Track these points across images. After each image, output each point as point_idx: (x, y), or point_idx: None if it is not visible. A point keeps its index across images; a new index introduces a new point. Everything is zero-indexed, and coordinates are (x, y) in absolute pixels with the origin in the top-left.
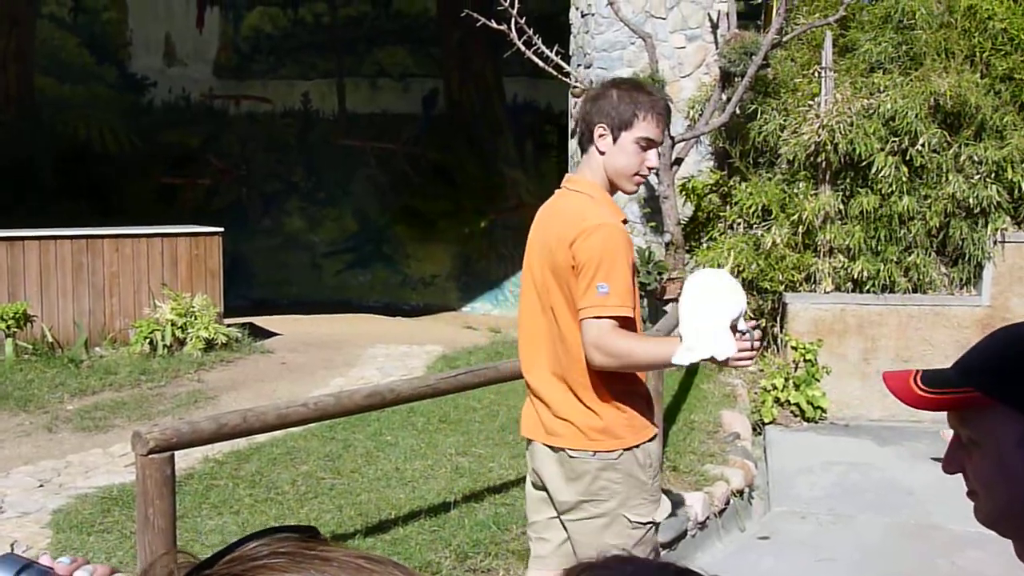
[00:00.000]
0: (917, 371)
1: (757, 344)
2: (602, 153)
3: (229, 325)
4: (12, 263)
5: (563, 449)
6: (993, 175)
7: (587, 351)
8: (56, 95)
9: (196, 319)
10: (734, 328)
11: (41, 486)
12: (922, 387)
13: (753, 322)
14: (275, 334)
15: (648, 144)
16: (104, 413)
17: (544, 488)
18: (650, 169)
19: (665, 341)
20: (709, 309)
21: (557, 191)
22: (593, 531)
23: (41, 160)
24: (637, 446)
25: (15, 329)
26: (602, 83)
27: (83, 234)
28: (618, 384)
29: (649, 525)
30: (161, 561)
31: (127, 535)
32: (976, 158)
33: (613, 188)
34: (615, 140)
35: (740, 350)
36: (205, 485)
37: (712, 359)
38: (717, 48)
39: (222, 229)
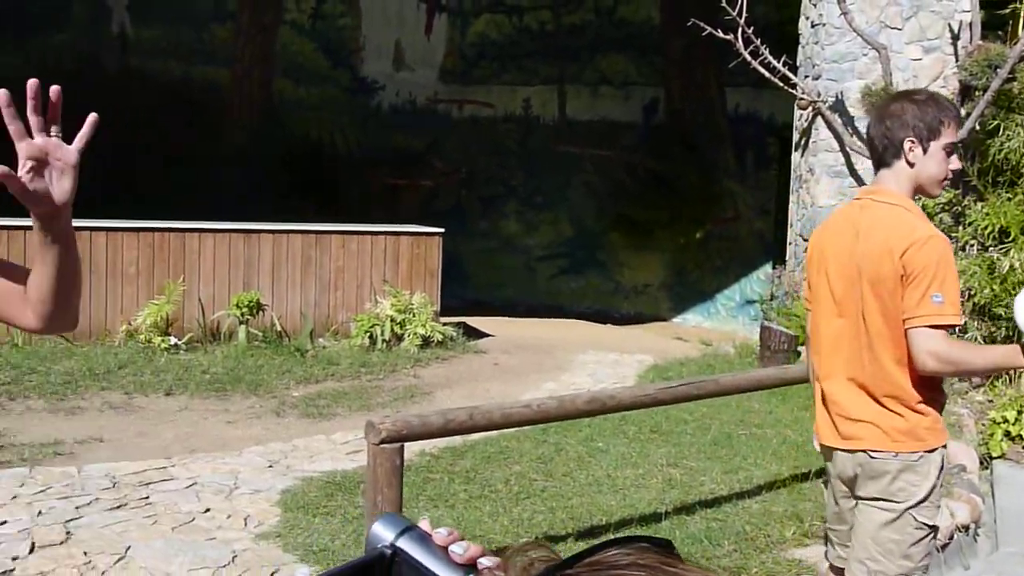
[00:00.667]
0: None
1: None
2: (911, 165)
3: (444, 324)
4: (248, 254)
5: (863, 451)
6: None
7: (920, 358)
8: (293, 98)
9: (414, 316)
10: None
11: (270, 466)
12: None
13: None
14: (488, 335)
15: (952, 149)
16: (327, 402)
17: (846, 497)
18: (953, 172)
19: (1005, 349)
20: None
21: (855, 202)
22: (876, 523)
23: (277, 159)
24: (935, 449)
25: (248, 316)
26: (888, 98)
27: (313, 229)
28: (924, 391)
29: (930, 530)
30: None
31: (349, 519)
32: None
33: (911, 196)
34: (925, 151)
35: None
36: (422, 478)
37: None
38: (957, 60)
39: (443, 230)
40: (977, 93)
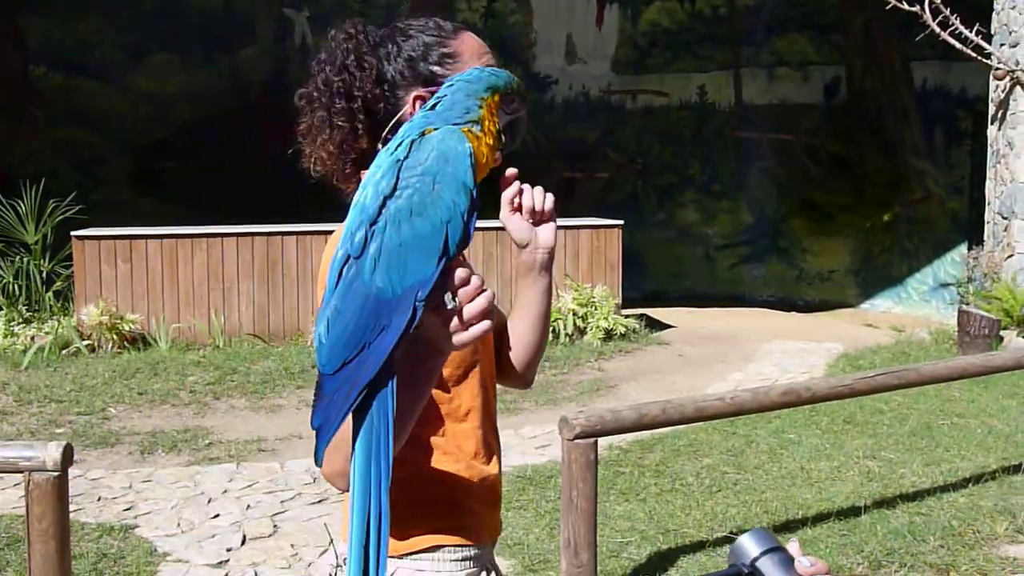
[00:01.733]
0: None
1: None
2: None
3: (626, 316)
4: None
5: None
6: None
7: None
8: None
9: (596, 309)
10: None
11: None
12: None
13: None
14: (670, 326)
15: None
16: (513, 396)
17: None
18: None
19: None
20: None
21: None
22: None
23: None
24: None
25: None
26: None
27: (493, 226)
28: None
29: None
30: None
31: (541, 513)
32: None
33: None
34: None
35: None
36: (612, 472)
37: None
38: None
39: (622, 222)
40: None
